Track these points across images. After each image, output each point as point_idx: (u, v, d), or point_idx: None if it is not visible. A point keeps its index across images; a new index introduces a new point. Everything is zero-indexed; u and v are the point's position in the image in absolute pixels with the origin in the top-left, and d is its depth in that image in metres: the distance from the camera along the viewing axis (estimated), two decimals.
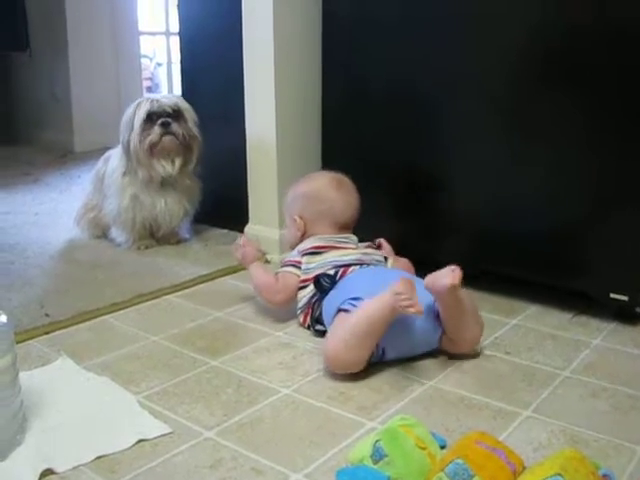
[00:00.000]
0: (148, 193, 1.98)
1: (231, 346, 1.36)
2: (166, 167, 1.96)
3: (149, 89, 4.83)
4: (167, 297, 1.64)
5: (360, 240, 1.53)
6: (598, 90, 1.39)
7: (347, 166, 1.77)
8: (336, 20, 1.75)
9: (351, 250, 1.48)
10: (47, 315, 1.48)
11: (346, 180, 1.58)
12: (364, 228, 1.59)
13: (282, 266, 1.52)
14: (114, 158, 2.06)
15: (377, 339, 1.22)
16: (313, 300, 1.42)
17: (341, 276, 1.40)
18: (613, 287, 1.45)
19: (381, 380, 1.22)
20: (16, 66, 4.05)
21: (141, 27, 4.34)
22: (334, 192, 1.54)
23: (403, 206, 1.72)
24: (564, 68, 1.42)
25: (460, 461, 0.86)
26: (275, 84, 1.83)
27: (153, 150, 1.94)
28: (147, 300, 1.61)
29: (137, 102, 1.98)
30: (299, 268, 1.48)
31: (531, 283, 1.60)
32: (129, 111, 1.98)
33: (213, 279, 1.74)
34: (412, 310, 1.15)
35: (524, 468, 0.90)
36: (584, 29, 1.38)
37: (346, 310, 1.27)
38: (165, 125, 1.93)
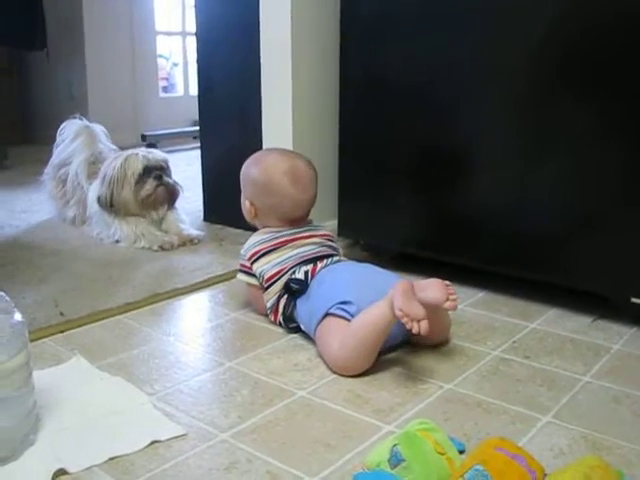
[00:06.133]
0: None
1: (247, 347, 1.35)
2: (153, 216, 2.09)
3: (165, 89, 4.83)
4: (182, 297, 1.63)
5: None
6: (618, 88, 1.37)
7: (364, 167, 1.77)
8: (354, 18, 1.73)
9: (304, 240, 1.44)
10: (62, 314, 1.47)
11: (303, 170, 1.45)
12: (382, 227, 1.57)
13: (239, 271, 1.49)
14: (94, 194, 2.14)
15: (383, 341, 1.23)
16: (281, 300, 1.41)
17: (312, 276, 1.38)
18: (634, 291, 1.43)
19: (398, 383, 1.20)
20: (33, 66, 4.07)
21: (158, 27, 4.35)
22: (287, 187, 1.43)
23: (419, 205, 1.70)
24: (584, 66, 1.40)
25: (480, 467, 0.84)
26: (292, 85, 1.82)
27: (145, 202, 2.05)
28: (162, 300, 1.60)
29: (123, 158, 2.07)
30: (252, 275, 1.45)
31: (550, 286, 1.57)
32: (114, 166, 2.06)
33: (229, 279, 1.73)
34: (416, 331, 1.15)
35: (545, 475, 0.88)
36: (605, 26, 1.36)
37: (338, 315, 1.26)
38: (159, 178, 2.07)
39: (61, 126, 2.40)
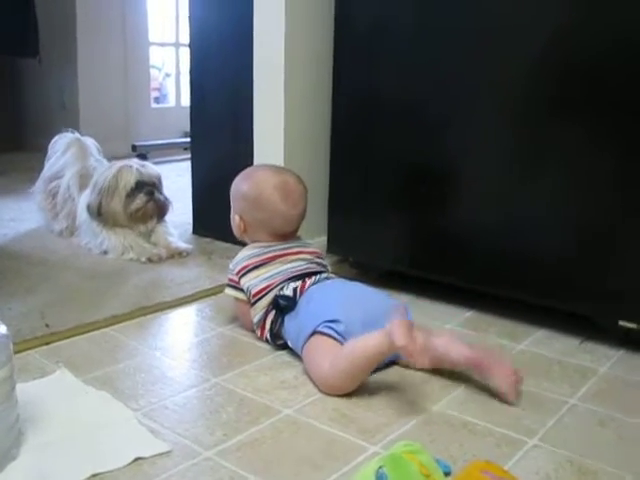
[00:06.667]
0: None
1: (233, 363, 1.34)
2: (142, 228, 2.08)
3: (157, 100, 4.83)
4: (169, 310, 1.62)
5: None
6: (613, 109, 1.37)
7: (354, 184, 1.77)
8: (348, 32, 1.73)
9: (293, 256, 1.44)
10: (47, 326, 1.46)
11: (293, 185, 1.45)
12: (371, 244, 1.56)
13: (227, 285, 1.49)
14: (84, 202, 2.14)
15: (374, 368, 1.23)
16: (268, 316, 1.40)
17: (301, 293, 1.37)
18: (622, 314, 1.43)
19: (384, 403, 1.20)
20: (25, 73, 4.06)
21: (151, 38, 4.35)
22: (277, 203, 1.43)
23: (408, 223, 1.70)
24: (580, 85, 1.40)
25: None
26: (285, 101, 1.82)
27: (134, 216, 2.05)
28: (149, 313, 1.59)
29: (117, 168, 2.07)
30: (240, 290, 1.45)
31: (538, 307, 1.57)
32: (106, 176, 2.06)
33: (216, 293, 1.72)
34: (419, 365, 1.16)
35: None
36: (601, 46, 1.37)
37: (325, 334, 1.25)
38: (150, 193, 2.06)
39: (53, 140, 2.40)
